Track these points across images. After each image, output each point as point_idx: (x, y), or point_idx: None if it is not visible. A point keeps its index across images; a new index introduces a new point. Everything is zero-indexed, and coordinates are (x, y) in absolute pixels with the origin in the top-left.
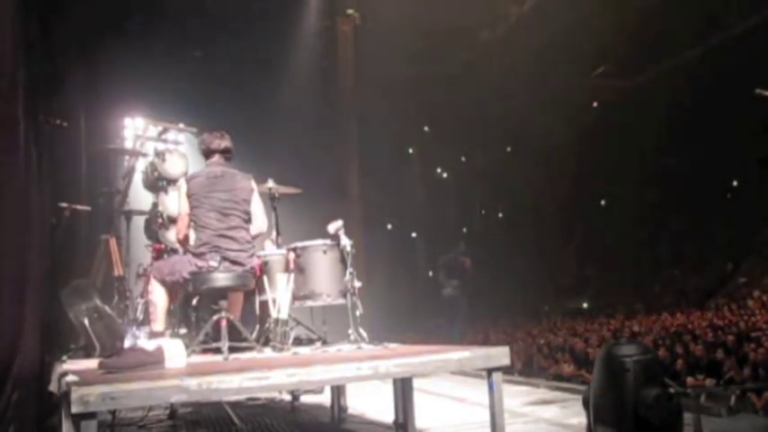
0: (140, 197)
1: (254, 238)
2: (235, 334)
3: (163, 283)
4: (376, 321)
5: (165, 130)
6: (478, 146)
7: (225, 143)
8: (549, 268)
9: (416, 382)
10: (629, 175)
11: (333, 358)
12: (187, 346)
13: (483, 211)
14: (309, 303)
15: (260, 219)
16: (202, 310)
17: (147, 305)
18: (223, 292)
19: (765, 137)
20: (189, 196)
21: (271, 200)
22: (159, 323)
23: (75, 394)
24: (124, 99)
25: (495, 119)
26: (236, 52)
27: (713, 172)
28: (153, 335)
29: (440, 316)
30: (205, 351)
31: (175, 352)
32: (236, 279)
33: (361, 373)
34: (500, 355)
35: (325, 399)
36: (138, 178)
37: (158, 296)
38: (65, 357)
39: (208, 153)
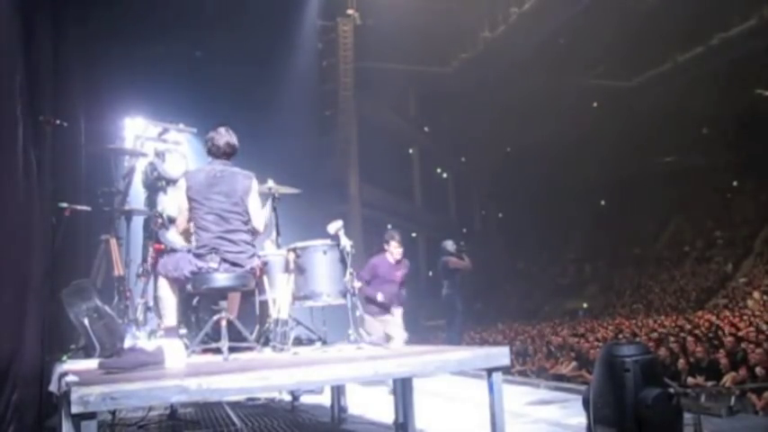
0: (140, 197)
1: (255, 235)
2: (235, 334)
3: (167, 278)
4: None
5: (165, 131)
6: (478, 146)
7: (223, 140)
8: (549, 268)
9: (416, 382)
10: (627, 175)
11: (333, 358)
12: (187, 347)
13: (483, 212)
14: (309, 303)
15: (255, 219)
16: (202, 311)
17: (156, 303)
18: (223, 293)
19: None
20: (188, 194)
21: (271, 200)
22: (171, 318)
23: (76, 394)
24: (124, 99)
25: (495, 119)
26: (237, 52)
27: (713, 172)
28: (167, 331)
29: (440, 316)
30: (205, 351)
31: (175, 352)
32: (236, 280)
33: (361, 373)
34: (500, 355)
35: (325, 399)
36: (138, 178)
37: (165, 292)
38: (65, 357)
39: (209, 151)
